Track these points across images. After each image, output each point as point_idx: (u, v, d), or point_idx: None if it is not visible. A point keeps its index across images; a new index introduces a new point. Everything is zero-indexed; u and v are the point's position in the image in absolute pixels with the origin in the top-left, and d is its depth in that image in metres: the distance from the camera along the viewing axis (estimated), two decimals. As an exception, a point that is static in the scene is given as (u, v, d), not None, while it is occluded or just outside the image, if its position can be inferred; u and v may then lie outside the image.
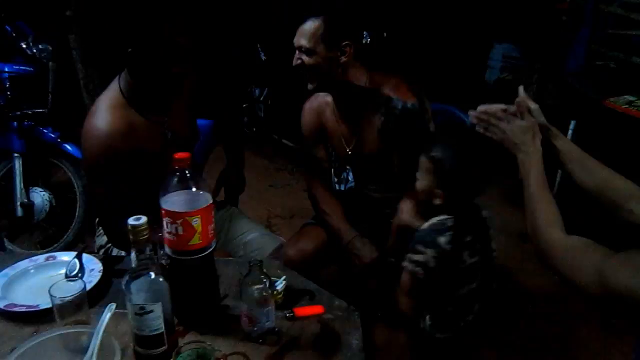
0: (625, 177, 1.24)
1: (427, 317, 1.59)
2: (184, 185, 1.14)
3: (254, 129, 4.52)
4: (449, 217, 1.53)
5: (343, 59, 1.71)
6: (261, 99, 4.46)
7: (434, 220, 1.56)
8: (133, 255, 1.04)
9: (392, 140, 1.80)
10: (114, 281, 1.41)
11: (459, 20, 4.45)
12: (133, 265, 1.04)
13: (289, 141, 4.24)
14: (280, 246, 1.89)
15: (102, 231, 1.79)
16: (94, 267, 1.43)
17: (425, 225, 1.57)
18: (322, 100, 1.91)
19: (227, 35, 4.36)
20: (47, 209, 2.97)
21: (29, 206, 2.91)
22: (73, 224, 2.92)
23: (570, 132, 3.31)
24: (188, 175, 1.14)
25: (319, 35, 1.68)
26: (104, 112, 1.55)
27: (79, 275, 1.37)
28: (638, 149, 2.79)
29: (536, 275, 2.82)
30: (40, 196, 2.96)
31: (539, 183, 1.25)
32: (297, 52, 1.74)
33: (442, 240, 1.49)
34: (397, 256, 1.80)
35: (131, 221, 1.01)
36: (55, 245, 2.92)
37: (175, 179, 1.14)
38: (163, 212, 1.14)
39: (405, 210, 1.74)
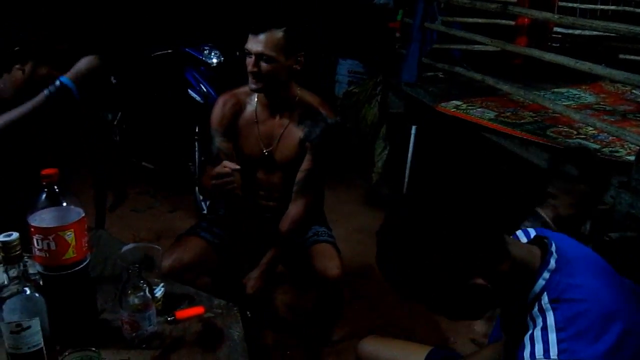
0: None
1: None
2: (54, 201, 1.15)
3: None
4: None
5: (297, 68, 1.83)
6: (115, 122, 4.32)
7: None
8: (3, 273, 1.03)
9: (308, 151, 1.93)
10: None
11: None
12: (6, 282, 1.03)
13: (149, 163, 4.16)
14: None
15: None
16: None
17: None
18: (241, 99, 1.95)
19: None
20: None
21: None
22: None
23: (412, 136, 3.72)
24: (57, 190, 1.15)
25: (282, 45, 1.76)
26: None
27: None
28: (464, 144, 3.23)
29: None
30: None
31: None
32: (253, 58, 1.77)
33: None
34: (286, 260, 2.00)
35: (2, 238, 1.00)
36: None
37: (44, 195, 1.14)
38: (32, 229, 1.12)
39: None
